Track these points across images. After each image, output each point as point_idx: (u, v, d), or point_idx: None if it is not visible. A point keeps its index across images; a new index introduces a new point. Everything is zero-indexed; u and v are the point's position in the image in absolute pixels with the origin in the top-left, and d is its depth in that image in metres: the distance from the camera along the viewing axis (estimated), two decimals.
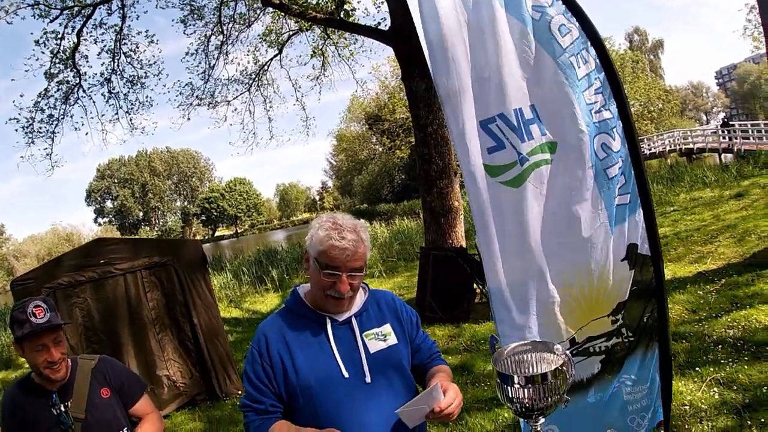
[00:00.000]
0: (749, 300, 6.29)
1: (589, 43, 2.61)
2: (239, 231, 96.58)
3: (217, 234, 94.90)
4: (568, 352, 1.99)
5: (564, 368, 1.89)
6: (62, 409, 2.38)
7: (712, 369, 4.88)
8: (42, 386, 2.42)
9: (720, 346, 5.30)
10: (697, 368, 4.95)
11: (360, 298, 2.14)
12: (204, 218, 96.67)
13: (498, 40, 2.64)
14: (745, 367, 4.77)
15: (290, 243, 28.00)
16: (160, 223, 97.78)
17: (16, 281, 6.03)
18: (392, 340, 2.11)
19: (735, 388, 4.50)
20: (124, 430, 2.57)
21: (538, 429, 1.99)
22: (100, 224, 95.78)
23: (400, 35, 9.27)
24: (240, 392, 6.87)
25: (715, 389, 4.56)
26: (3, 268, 74.46)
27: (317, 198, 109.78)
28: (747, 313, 5.90)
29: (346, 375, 1.98)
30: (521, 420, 2.05)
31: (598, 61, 2.61)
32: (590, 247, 2.68)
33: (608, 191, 2.64)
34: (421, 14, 2.73)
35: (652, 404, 2.73)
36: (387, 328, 2.13)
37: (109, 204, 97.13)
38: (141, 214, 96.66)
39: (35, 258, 72.51)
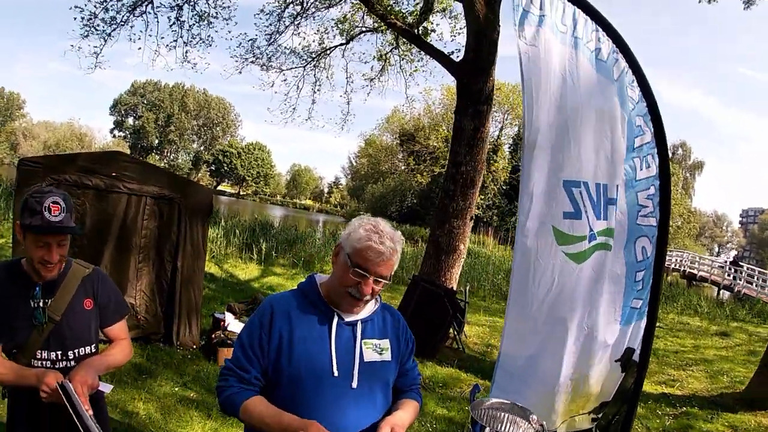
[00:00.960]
0: None
1: (656, 150, 2.65)
2: (242, 193, 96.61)
3: (220, 187, 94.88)
4: (544, 425, 2.01)
5: None
6: (40, 304, 2.34)
7: None
8: (29, 276, 2.37)
9: None
10: None
11: (371, 306, 2.15)
12: (213, 168, 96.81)
13: (601, 110, 2.66)
14: None
15: (286, 223, 28.01)
16: (171, 157, 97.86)
17: (25, 161, 6.00)
18: (387, 356, 2.12)
19: None
20: (92, 346, 2.51)
21: None
22: (115, 136, 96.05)
23: (468, 70, 9.32)
24: (195, 347, 6.85)
25: None
26: (9, 142, 74.52)
27: (326, 190, 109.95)
28: None
29: (336, 374, 1.98)
30: None
31: (658, 170, 2.65)
32: (604, 344, 2.69)
33: (629, 292, 2.66)
34: (521, 56, 2.68)
35: None
36: (386, 343, 2.14)
37: (130, 121, 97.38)
38: (157, 141, 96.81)
39: (43, 144, 72.62)
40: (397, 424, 2.01)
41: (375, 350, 2.09)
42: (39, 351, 2.35)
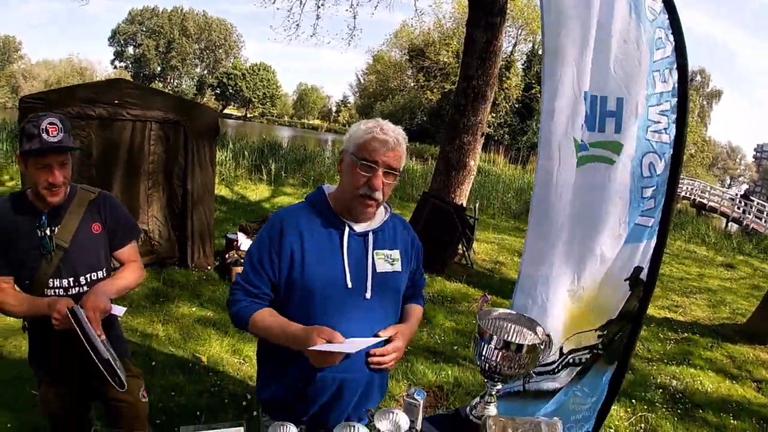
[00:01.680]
0: (702, 362, 6.44)
1: (675, 65, 2.55)
2: (249, 115, 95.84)
3: (226, 111, 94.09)
4: (550, 336, 2.05)
5: (540, 347, 1.96)
6: (47, 232, 2.33)
7: (645, 407, 5.02)
8: (34, 205, 2.35)
9: (660, 390, 5.44)
10: (633, 401, 5.09)
11: (381, 216, 2.13)
12: (218, 92, 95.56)
13: (610, 17, 2.57)
14: (675, 419, 4.91)
15: (294, 143, 27.89)
16: (174, 84, 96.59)
17: (26, 98, 5.92)
18: (398, 266, 2.12)
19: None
20: (103, 270, 2.51)
21: (493, 393, 2.10)
22: (116, 67, 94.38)
23: None
24: (209, 268, 6.99)
25: (642, 425, 4.72)
26: (9, 85, 73.65)
27: (334, 109, 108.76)
28: (695, 373, 6.05)
29: (350, 285, 1.99)
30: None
31: (677, 85, 2.56)
32: (602, 258, 2.70)
33: (635, 209, 2.64)
34: None
35: (590, 417, 2.79)
36: (396, 253, 2.13)
37: (130, 50, 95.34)
38: (159, 69, 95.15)
39: (44, 83, 71.58)
40: (402, 332, 2.07)
41: (386, 260, 2.09)
42: (51, 279, 2.35)
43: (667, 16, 2.53)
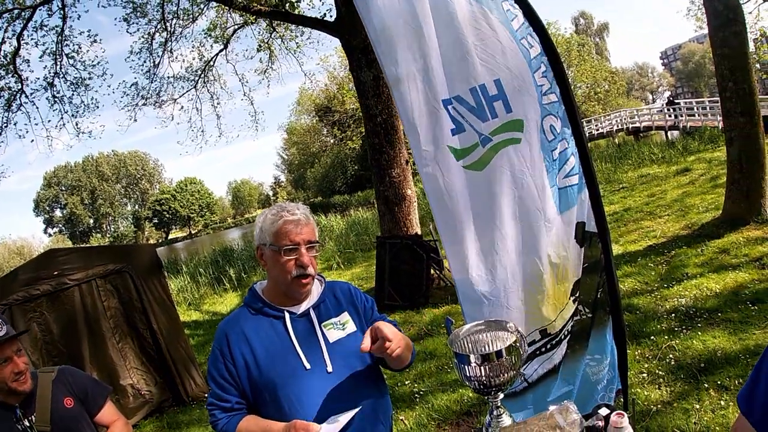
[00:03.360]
0: (699, 269, 6.53)
1: (531, 29, 2.69)
2: (193, 232, 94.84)
3: (170, 236, 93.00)
4: (520, 328, 2.08)
5: (517, 344, 1.99)
6: (27, 423, 2.34)
7: (666, 337, 5.05)
8: (4, 402, 2.36)
9: (673, 315, 5.48)
10: (652, 337, 5.11)
11: (317, 290, 2.18)
12: (156, 221, 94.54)
13: (453, 21, 2.67)
14: (699, 333, 4.95)
15: (245, 240, 27.70)
16: (112, 229, 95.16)
17: None
18: (351, 327, 2.16)
19: (690, 353, 4.67)
20: None
21: (498, 404, 2.10)
22: (50, 234, 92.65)
23: (346, 26, 9.28)
24: (206, 395, 6.83)
25: (671, 356, 4.72)
26: None
27: (271, 193, 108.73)
28: (698, 282, 6.12)
29: (308, 366, 2.02)
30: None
31: (541, 46, 2.70)
32: (551, 229, 2.76)
33: (553, 172, 2.73)
34: (364, 5, 2.74)
35: (614, 377, 2.81)
36: (345, 316, 2.17)
37: (58, 213, 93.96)
38: (92, 221, 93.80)
39: None
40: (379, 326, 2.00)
41: (337, 328, 2.13)
42: None
43: None
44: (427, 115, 2.73)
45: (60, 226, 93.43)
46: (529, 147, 2.71)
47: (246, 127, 22.93)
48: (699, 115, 25.77)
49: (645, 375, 4.54)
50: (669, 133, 27.30)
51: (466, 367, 1.96)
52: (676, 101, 31.35)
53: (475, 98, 2.70)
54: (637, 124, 32.48)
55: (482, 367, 1.94)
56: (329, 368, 2.05)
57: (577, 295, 2.82)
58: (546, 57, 2.71)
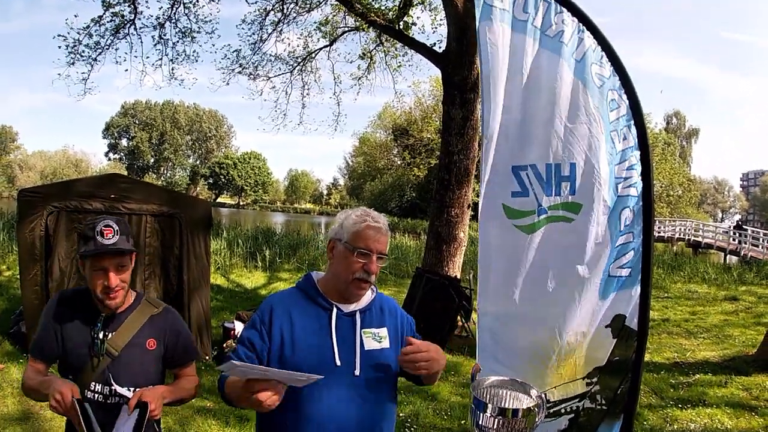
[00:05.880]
0: (717, 400, 6.35)
1: (632, 122, 2.73)
2: (242, 203, 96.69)
3: (218, 200, 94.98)
4: (543, 396, 2.09)
5: (535, 410, 2.00)
6: (101, 336, 2.29)
7: None
8: (94, 306, 2.32)
9: None
10: None
11: (368, 297, 2.24)
12: (211, 181, 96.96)
13: (555, 95, 2.78)
14: None
15: (288, 228, 28.05)
16: (168, 175, 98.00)
17: (25, 192, 6.12)
18: (386, 344, 2.19)
19: None
20: (150, 386, 2.34)
21: None
22: (110, 159, 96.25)
23: (451, 60, 9.40)
24: (207, 358, 6.95)
25: None
26: (6, 174, 74.57)
27: (325, 192, 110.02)
28: (712, 412, 5.98)
29: (339, 363, 2.06)
30: None
31: (637, 141, 2.73)
32: (580, 308, 2.79)
33: (608, 260, 2.76)
34: (481, 53, 2.87)
35: None
36: (384, 331, 2.21)
37: (124, 142, 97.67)
38: (152, 160, 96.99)
39: (39, 174, 72.68)
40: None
41: (374, 338, 2.17)
42: (93, 383, 2.29)
43: (617, 78, 2.73)
44: (500, 175, 2.91)
45: (122, 154, 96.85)
46: (579, 229, 2.79)
47: (326, 124, 23.02)
48: (763, 247, 25.12)
49: None
50: (728, 256, 26.63)
51: (480, 414, 1.97)
52: (745, 227, 30.48)
53: (548, 173, 2.82)
54: (699, 239, 31.92)
55: (496, 419, 1.95)
56: (357, 371, 2.09)
57: (594, 381, 2.83)
58: (639, 152, 2.73)
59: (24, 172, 75.32)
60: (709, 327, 10.52)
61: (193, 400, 5.53)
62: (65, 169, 76.61)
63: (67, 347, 2.32)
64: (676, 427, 5.62)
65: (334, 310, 2.14)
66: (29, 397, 2.41)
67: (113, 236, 2.21)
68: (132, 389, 2.29)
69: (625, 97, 2.74)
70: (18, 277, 7.58)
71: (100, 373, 2.30)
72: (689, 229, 33.89)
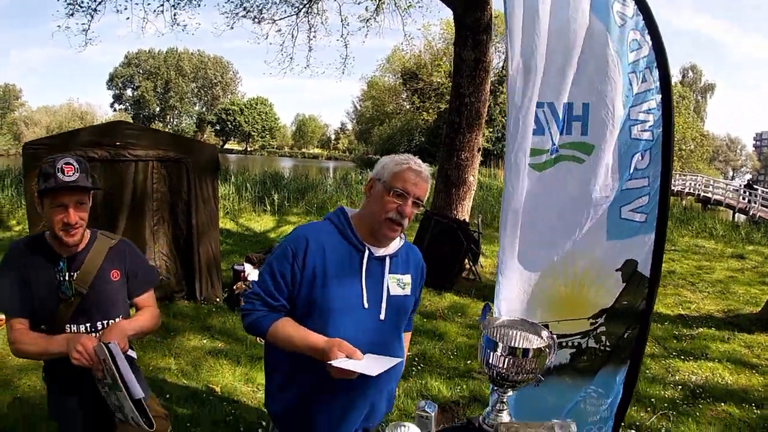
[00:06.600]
0: (719, 355, 6.39)
1: (655, 64, 2.63)
2: (249, 149, 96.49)
3: (226, 146, 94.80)
4: (554, 337, 2.08)
5: (546, 350, 1.99)
6: (66, 277, 2.30)
7: (666, 405, 5.00)
8: (53, 249, 2.33)
9: (680, 387, 5.41)
10: (653, 399, 5.06)
11: (397, 243, 2.22)
12: (218, 128, 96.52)
13: (573, 33, 2.69)
14: (697, 414, 4.87)
15: (296, 173, 27.99)
16: (174, 123, 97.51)
17: (29, 144, 6.06)
18: (408, 290, 2.23)
19: (682, 429, 4.61)
20: (119, 317, 2.46)
21: (504, 400, 2.11)
22: (115, 110, 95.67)
23: (464, 2, 9.10)
24: (218, 300, 7.03)
25: (663, 423, 4.68)
26: (11, 132, 74.50)
27: (333, 137, 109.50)
28: (714, 366, 6.03)
29: (366, 305, 2.09)
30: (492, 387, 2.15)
31: (658, 84, 2.63)
32: (589, 248, 2.77)
33: (620, 203, 2.73)
34: None
35: (608, 419, 2.83)
36: (408, 278, 2.23)
37: (129, 92, 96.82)
38: (158, 109, 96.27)
39: (45, 129, 72.43)
40: None
41: (399, 285, 2.19)
42: (67, 325, 2.32)
43: (641, 17, 2.62)
44: (525, 110, 2.80)
45: (127, 104, 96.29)
46: (590, 171, 2.76)
47: (334, 67, 22.54)
48: None
49: (633, 431, 4.53)
50: (737, 214, 26.41)
51: (491, 353, 1.97)
52: (755, 186, 30.13)
53: (563, 111, 2.78)
54: (709, 195, 31.58)
55: (506, 359, 1.95)
56: (382, 315, 2.12)
57: (599, 322, 2.83)
58: (661, 96, 2.64)
59: (30, 129, 74.85)
60: (714, 282, 10.53)
61: (204, 341, 5.73)
62: (71, 123, 75.94)
63: (35, 296, 2.29)
64: (677, 378, 5.66)
65: (367, 252, 2.12)
66: (27, 358, 2.44)
67: (74, 173, 2.21)
68: (106, 323, 2.38)
69: (648, 37, 2.63)
70: (28, 231, 7.62)
71: (73, 313, 2.33)
72: (699, 185, 33.40)
